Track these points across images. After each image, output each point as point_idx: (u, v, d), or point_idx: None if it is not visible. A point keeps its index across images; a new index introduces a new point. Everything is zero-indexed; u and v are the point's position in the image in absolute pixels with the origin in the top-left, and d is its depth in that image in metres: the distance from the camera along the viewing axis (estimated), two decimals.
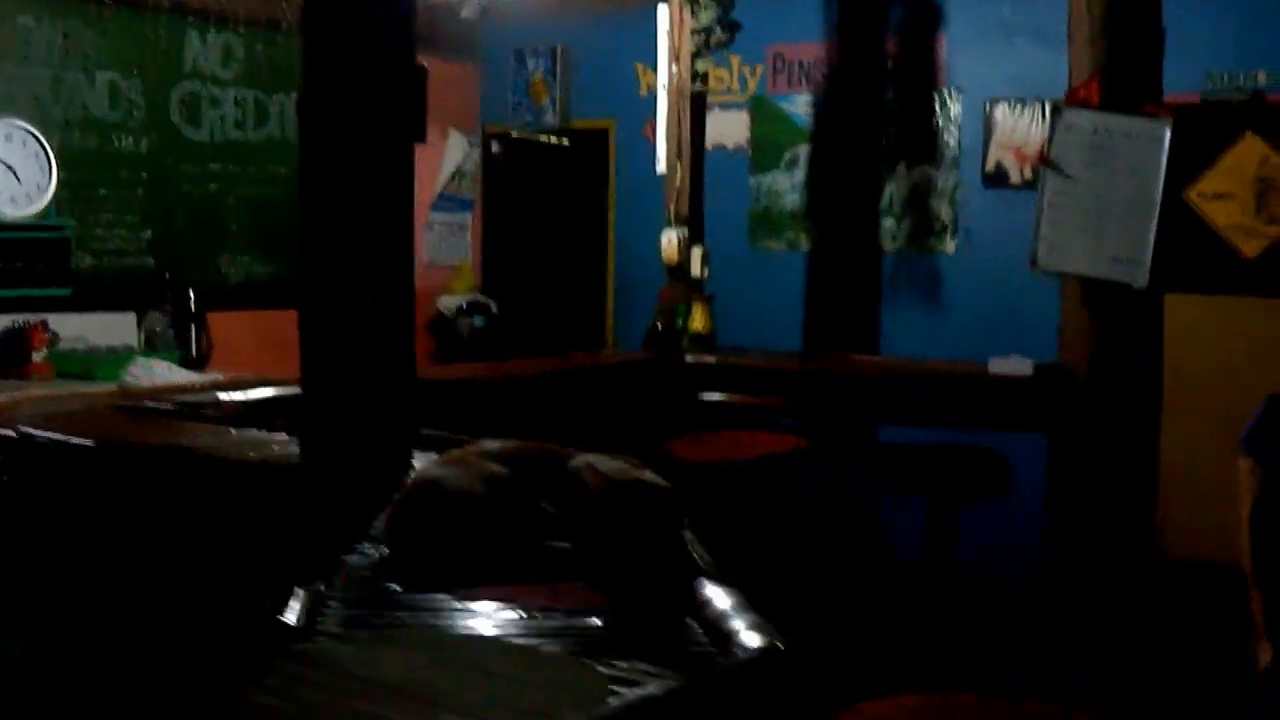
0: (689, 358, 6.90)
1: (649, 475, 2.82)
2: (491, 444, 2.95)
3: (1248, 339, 7.54)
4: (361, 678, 1.95)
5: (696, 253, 7.41)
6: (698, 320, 7.20)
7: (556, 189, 10.13)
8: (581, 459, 2.88)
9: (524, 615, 2.36)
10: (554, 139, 10.05)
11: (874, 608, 6.50)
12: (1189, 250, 7.36)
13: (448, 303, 9.45)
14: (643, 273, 8.25)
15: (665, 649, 2.19)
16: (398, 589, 2.51)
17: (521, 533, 2.74)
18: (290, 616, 2.22)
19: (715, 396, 6.58)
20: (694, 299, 7.28)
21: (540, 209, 10.14)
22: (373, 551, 2.75)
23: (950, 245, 8.31)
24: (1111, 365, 6.18)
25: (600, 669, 2.04)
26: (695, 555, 2.70)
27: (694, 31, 7.49)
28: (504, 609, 2.40)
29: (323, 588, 2.44)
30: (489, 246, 10.19)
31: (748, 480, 5.59)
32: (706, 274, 7.43)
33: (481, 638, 2.24)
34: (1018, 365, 6.42)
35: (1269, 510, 3.52)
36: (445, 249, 9.88)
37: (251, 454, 3.58)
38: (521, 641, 2.23)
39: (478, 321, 9.37)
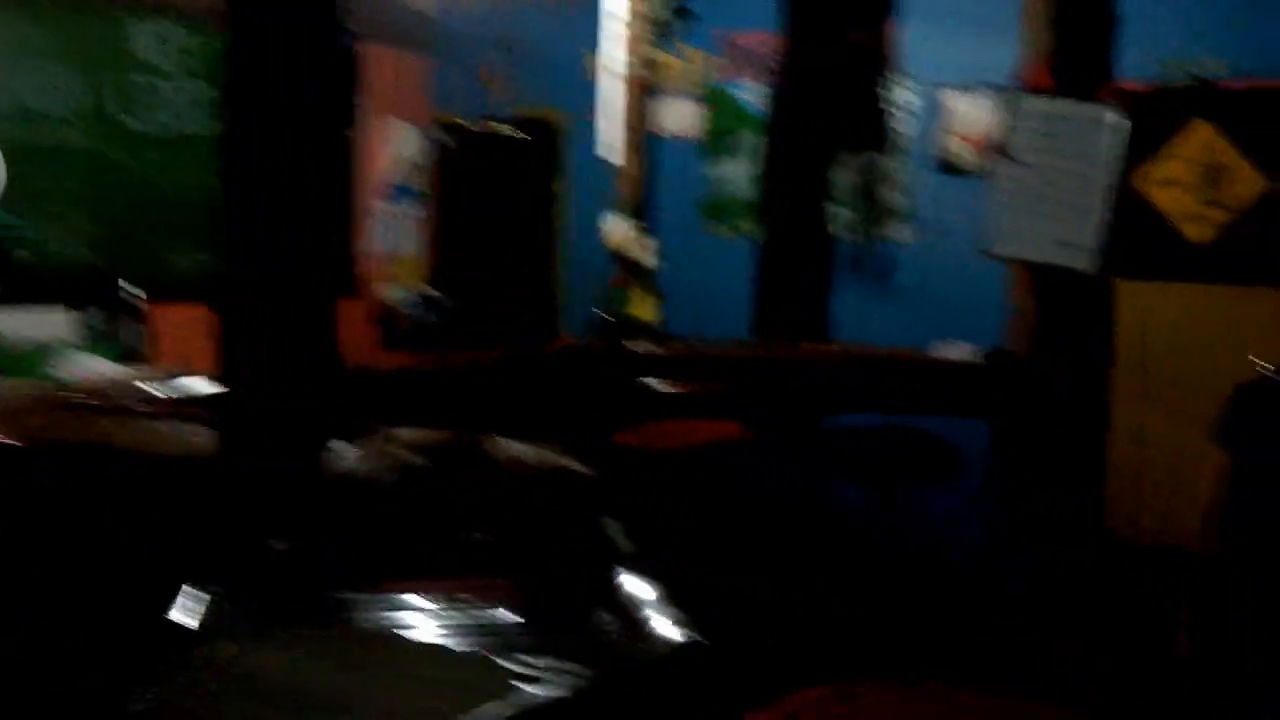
0: (637, 347, 6.82)
1: (570, 463, 2.75)
2: (407, 433, 2.86)
3: (1203, 326, 7.54)
4: (264, 682, 1.86)
5: (645, 241, 7.34)
6: (646, 309, 7.14)
7: (506, 179, 10.03)
8: (500, 447, 2.80)
9: (438, 610, 2.28)
10: (504, 128, 9.95)
11: (819, 595, 6.45)
12: (1139, 236, 7.35)
13: (394, 294, 9.34)
14: (592, 262, 8.16)
15: (580, 644, 2.13)
16: (308, 585, 2.42)
17: (437, 524, 2.65)
18: (191, 620, 2.13)
19: (661, 385, 6.52)
20: (643, 288, 7.21)
21: (490, 199, 10.04)
22: (285, 546, 2.65)
23: (901, 232, 8.27)
24: (1059, 351, 6.16)
25: (513, 667, 1.98)
26: (618, 546, 2.61)
27: (645, 18, 7.43)
28: (417, 604, 2.31)
29: (230, 587, 2.34)
30: (437, 236, 10.08)
31: (692, 468, 5.53)
32: (655, 262, 7.36)
33: (392, 636, 2.16)
34: (966, 351, 6.39)
35: (1239, 500, 3.44)
36: (394, 240, 9.76)
37: (172, 448, 3.49)
38: (434, 639, 2.16)
39: (424, 312, 9.26)
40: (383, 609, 2.30)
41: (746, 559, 6.06)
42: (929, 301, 7.85)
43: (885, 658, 5.40)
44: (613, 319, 7.11)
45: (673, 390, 6.52)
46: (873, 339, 7.35)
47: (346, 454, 2.81)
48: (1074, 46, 6.16)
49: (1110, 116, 6.11)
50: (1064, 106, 6.18)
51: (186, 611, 2.17)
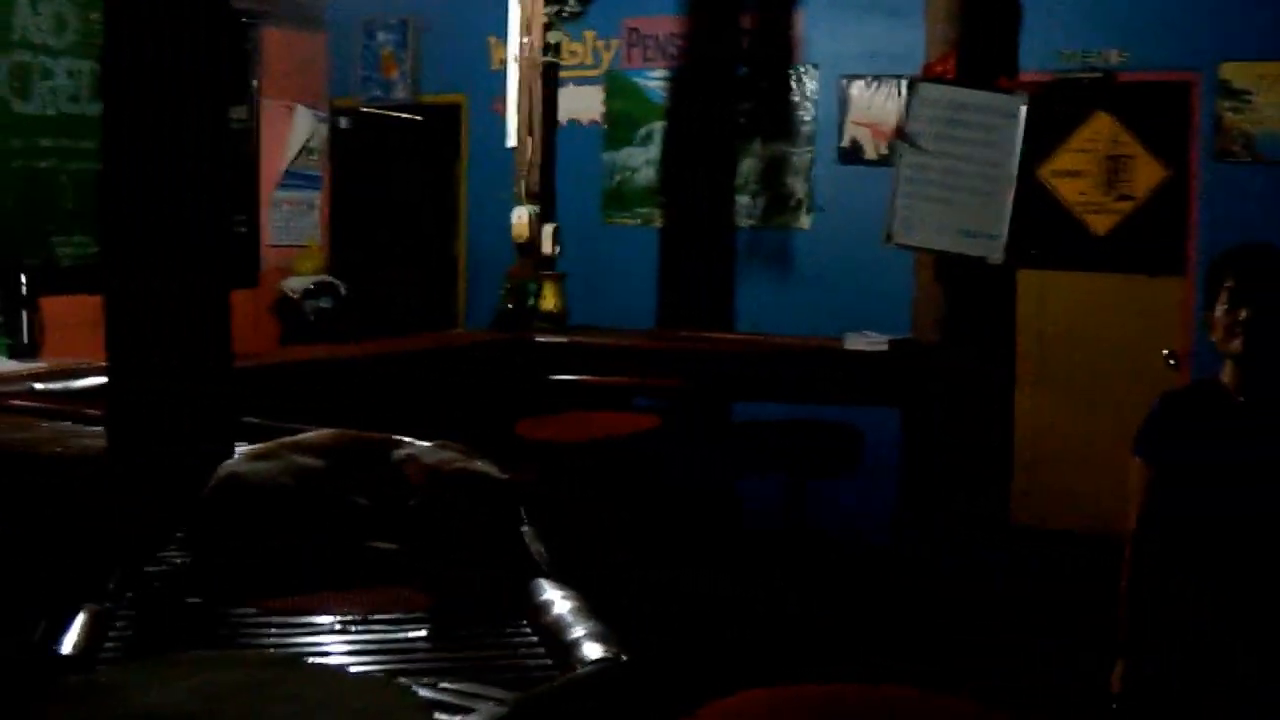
0: (539, 337, 6.74)
1: (480, 465, 2.62)
2: (307, 434, 2.72)
3: (1098, 311, 7.60)
4: (140, 713, 1.70)
5: (547, 230, 7.26)
6: (549, 299, 7.05)
7: (407, 165, 9.89)
8: (405, 449, 2.67)
9: (340, 627, 2.17)
10: (404, 114, 9.81)
11: (733, 589, 6.43)
12: (1041, 227, 7.38)
13: (294, 284, 9.16)
14: (495, 250, 8.05)
15: (496, 664, 2.03)
16: (197, 601, 2.27)
17: (338, 533, 2.51)
18: (65, 642, 1.98)
19: (567, 376, 6.44)
20: (545, 277, 7.12)
21: (390, 186, 9.90)
22: (176, 559, 2.51)
23: (805, 221, 8.25)
24: (964, 339, 6.18)
25: (422, 692, 1.85)
26: (533, 553, 2.49)
27: (546, 2, 7.33)
28: (317, 621, 2.19)
29: (110, 605, 2.19)
30: (337, 225, 9.90)
31: (599, 460, 5.47)
32: (558, 251, 7.28)
33: (288, 658, 2.01)
34: (872, 340, 6.38)
35: (1167, 504, 3.42)
36: (292, 228, 9.57)
37: (57, 449, 3.34)
38: (335, 660, 2.03)
39: (325, 303, 9.10)
40: (280, 629, 2.16)
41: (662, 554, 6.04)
42: (835, 291, 7.85)
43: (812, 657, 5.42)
44: (516, 308, 7.01)
45: (578, 380, 6.44)
46: (779, 328, 7.33)
47: (240, 456, 2.65)
48: (978, 36, 6.17)
49: (1014, 106, 6.12)
50: (967, 96, 6.19)
51: (59, 634, 2.02)
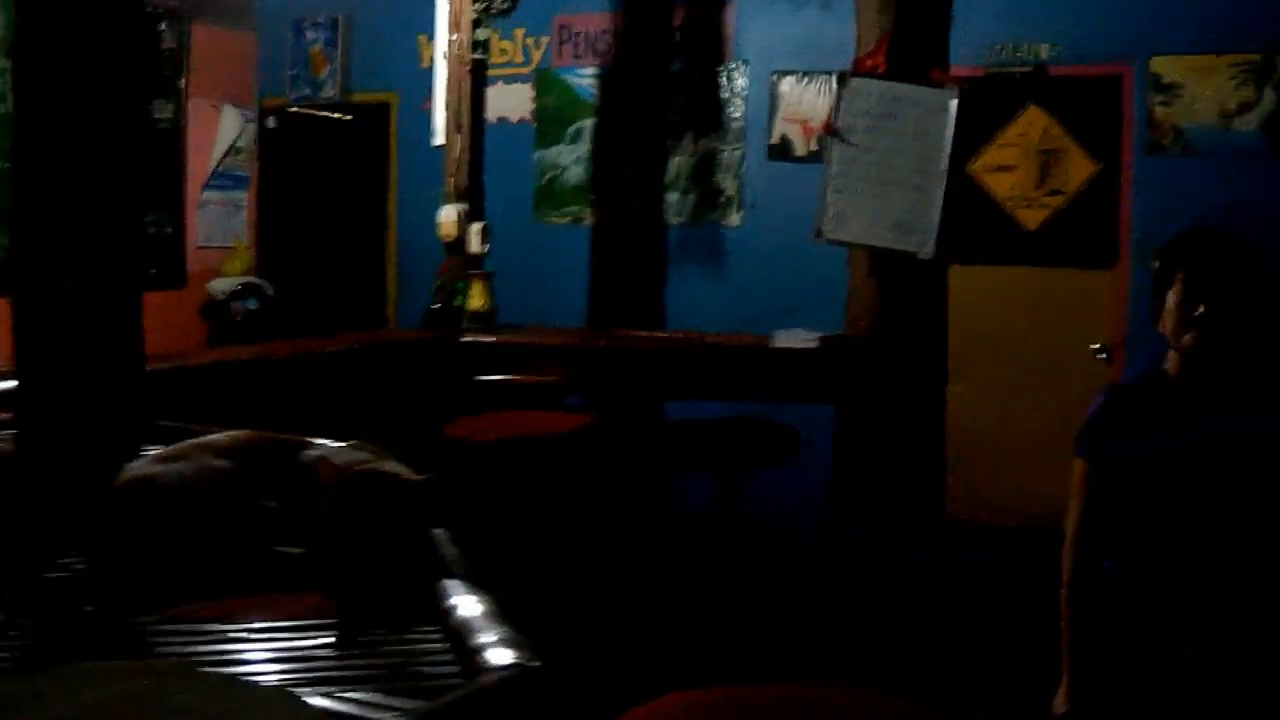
0: (467, 336, 6.68)
1: (391, 466, 2.56)
2: (217, 436, 2.65)
3: (1030, 306, 7.63)
4: None
5: (475, 228, 7.20)
6: (477, 298, 6.99)
7: (337, 165, 9.79)
8: (315, 450, 2.61)
9: (244, 635, 2.10)
10: (334, 113, 9.72)
11: (665, 587, 6.41)
12: (973, 222, 7.39)
13: (220, 285, 9.04)
14: (425, 250, 7.98)
15: (403, 671, 1.96)
16: (95, 609, 2.22)
17: (246, 537, 2.45)
18: None
19: (496, 376, 6.38)
20: (473, 276, 7.06)
21: (320, 185, 9.80)
22: (77, 565, 2.42)
23: (735, 218, 8.23)
24: (896, 335, 6.17)
25: (320, 702, 1.79)
26: (445, 556, 2.42)
27: (476, 1, 7.28)
28: (220, 628, 2.12)
29: (5, 614, 2.12)
30: (266, 225, 9.80)
31: (529, 460, 5.41)
32: (486, 249, 7.23)
33: (182, 668, 1.91)
34: (803, 337, 6.36)
35: (1109, 498, 3.34)
36: (220, 229, 9.45)
37: None
38: (237, 669, 1.96)
39: (252, 304, 9.00)
40: (182, 638, 2.09)
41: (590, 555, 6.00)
42: (766, 287, 7.85)
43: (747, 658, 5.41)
44: (444, 307, 6.95)
45: (508, 380, 6.38)
46: (710, 326, 7.32)
47: (146, 458, 2.58)
48: (909, 29, 6.16)
49: (945, 100, 6.12)
50: (898, 90, 6.18)
51: None
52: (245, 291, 9.07)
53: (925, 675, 5.28)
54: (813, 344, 6.32)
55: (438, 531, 2.54)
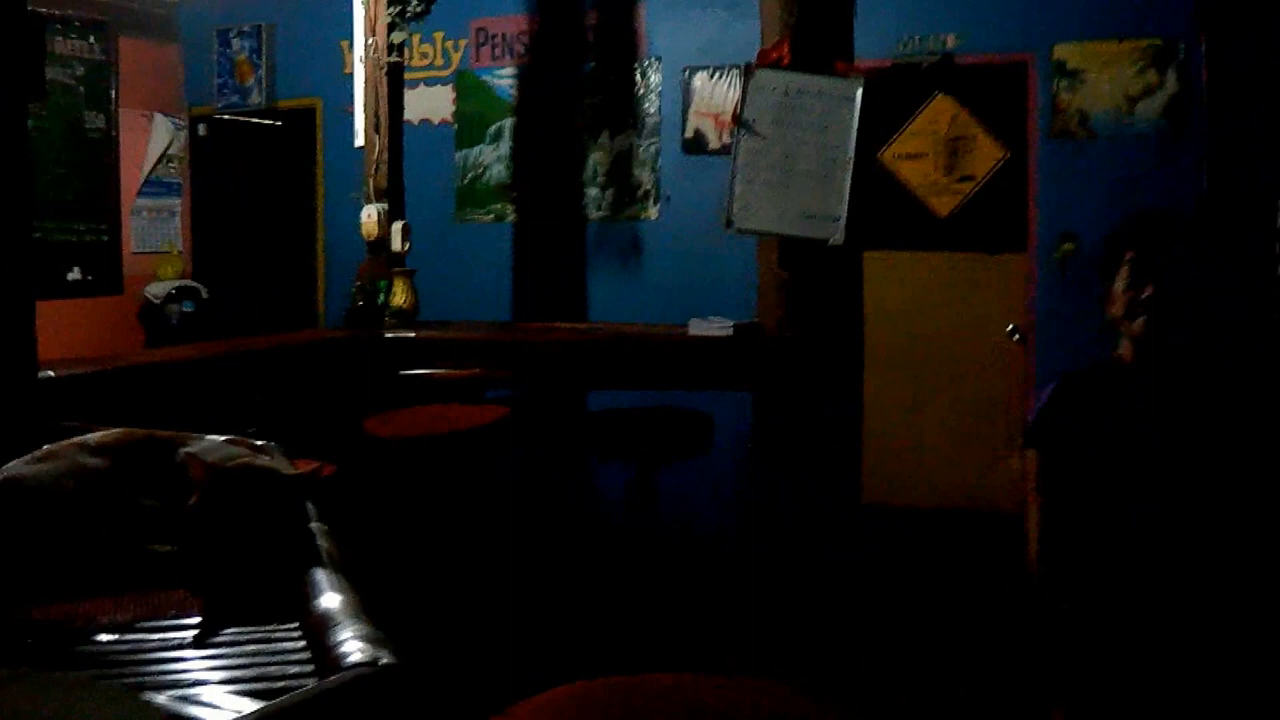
0: (389, 333, 6.76)
1: (264, 460, 2.57)
2: (94, 434, 2.70)
3: (943, 290, 7.76)
4: None
5: (396, 227, 7.28)
6: (399, 295, 7.08)
7: (265, 169, 9.89)
8: (188, 446, 2.65)
9: (99, 634, 2.09)
10: (261, 119, 9.81)
11: (576, 583, 6.49)
12: (885, 209, 7.53)
13: (156, 289, 9.17)
14: (351, 250, 8.06)
15: (263, 669, 1.93)
16: None
17: (118, 535, 2.46)
18: None
19: (417, 371, 6.46)
20: (395, 274, 7.16)
21: (250, 190, 9.89)
22: None
23: (652, 212, 8.36)
24: (810, 322, 6.25)
25: (167, 703, 1.76)
26: (321, 550, 2.40)
27: (390, 3, 7.36)
28: (81, 628, 2.10)
29: None
30: (199, 230, 9.92)
31: (446, 454, 5.49)
32: (407, 248, 7.31)
33: (21, 669, 1.85)
34: (717, 326, 6.44)
35: (1067, 522, 3.28)
36: (154, 235, 9.58)
37: None
38: (96, 670, 1.93)
39: (187, 307, 9.11)
40: (42, 636, 2.08)
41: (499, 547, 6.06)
42: (683, 279, 7.96)
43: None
44: (366, 305, 7.04)
45: (429, 374, 6.47)
46: (630, 317, 7.43)
47: (20, 459, 2.60)
48: (813, 21, 6.25)
49: (850, 89, 6.21)
50: (803, 81, 6.27)
51: None
52: (180, 295, 9.20)
53: (835, 657, 5.36)
54: (726, 332, 6.40)
55: (315, 525, 2.54)
